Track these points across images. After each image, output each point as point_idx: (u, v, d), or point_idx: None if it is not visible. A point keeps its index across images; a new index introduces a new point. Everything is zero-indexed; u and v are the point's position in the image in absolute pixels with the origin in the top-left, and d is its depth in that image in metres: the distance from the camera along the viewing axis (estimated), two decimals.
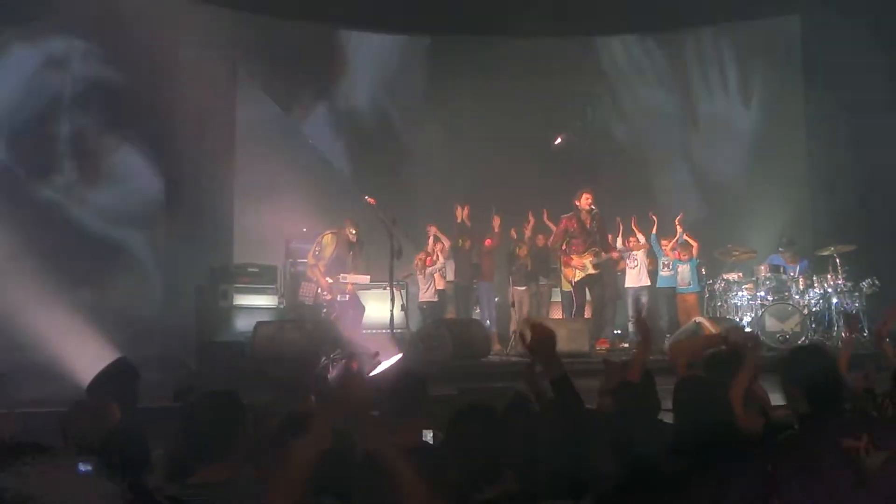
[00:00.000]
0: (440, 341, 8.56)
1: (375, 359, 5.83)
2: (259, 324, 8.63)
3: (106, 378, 4.24)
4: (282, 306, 10.38)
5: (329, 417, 2.32)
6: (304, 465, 2.22)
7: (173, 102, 10.84)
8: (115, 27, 10.03)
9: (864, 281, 9.93)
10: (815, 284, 10.15)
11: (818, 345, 4.37)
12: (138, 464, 2.87)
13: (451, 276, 11.22)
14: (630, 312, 10.65)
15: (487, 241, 11.03)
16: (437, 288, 10.95)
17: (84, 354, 6.17)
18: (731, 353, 3.57)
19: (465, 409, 2.65)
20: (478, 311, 11.26)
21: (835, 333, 9.83)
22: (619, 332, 11.09)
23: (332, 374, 5.79)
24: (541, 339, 2.59)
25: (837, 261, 10.14)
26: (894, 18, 10.13)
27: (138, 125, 10.94)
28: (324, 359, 6.32)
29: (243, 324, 9.55)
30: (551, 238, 10.51)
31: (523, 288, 10.85)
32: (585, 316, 9.99)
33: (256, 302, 10.12)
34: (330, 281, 8.98)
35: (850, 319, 3.85)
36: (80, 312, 7.52)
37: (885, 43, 10.21)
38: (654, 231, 10.82)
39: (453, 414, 2.64)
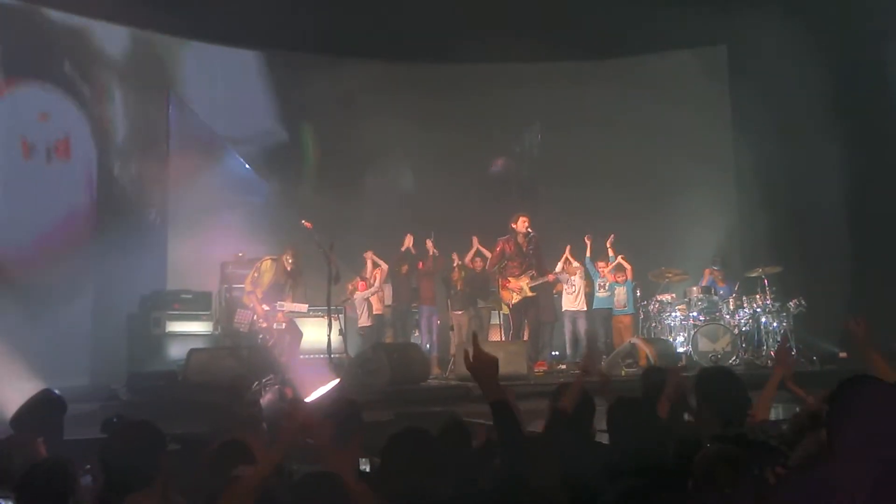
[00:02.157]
0: (378, 366, 8.49)
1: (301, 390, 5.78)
2: (192, 351, 8.44)
3: (30, 410, 4.10)
4: (217, 333, 10.20)
5: (274, 444, 2.32)
6: (250, 493, 2.21)
7: (104, 125, 10.66)
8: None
9: (790, 301, 10.26)
10: (745, 305, 10.44)
11: (727, 368, 4.58)
12: (62, 496, 2.80)
13: (388, 301, 11.21)
14: (567, 335, 10.80)
15: (420, 264, 11.09)
16: (375, 313, 10.93)
17: (7, 386, 5.94)
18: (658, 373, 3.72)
19: (400, 433, 2.64)
20: (417, 334, 11.26)
21: (764, 352, 10.12)
22: (556, 353, 11.19)
23: (265, 399, 5.69)
24: (482, 364, 2.60)
25: (765, 282, 10.46)
26: (822, 46, 10.52)
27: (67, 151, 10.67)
28: (255, 384, 6.19)
29: (176, 351, 9.37)
30: (488, 261, 10.60)
31: (461, 311, 10.89)
32: (523, 339, 10.06)
33: (190, 329, 9.94)
34: (266, 308, 8.84)
35: (780, 351, 3.96)
36: (5, 341, 7.26)
37: (811, 70, 10.60)
38: (587, 254, 11.00)
39: (387, 439, 2.63)
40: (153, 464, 2.68)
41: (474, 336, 2.86)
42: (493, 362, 2.63)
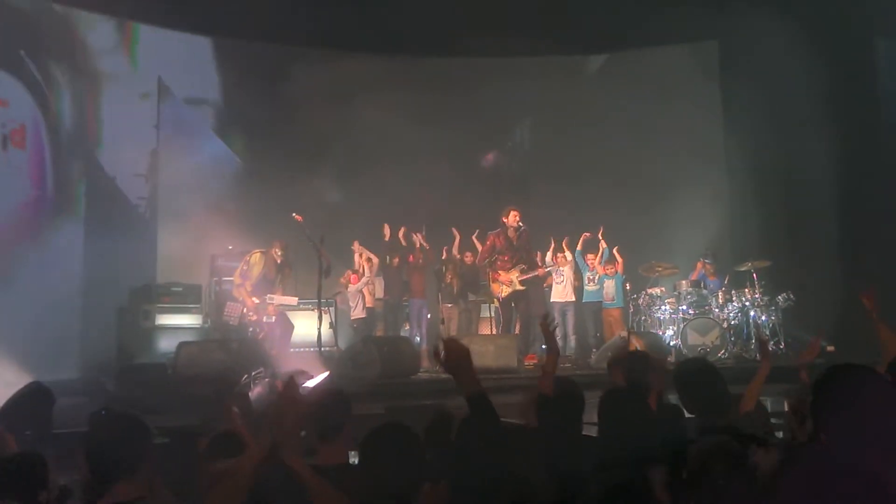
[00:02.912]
0: (368, 359, 8.50)
1: (299, 378, 5.74)
2: (182, 344, 8.44)
3: (18, 403, 4.08)
4: (206, 326, 10.17)
5: (263, 435, 2.32)
6: (242, 484, 2.22)
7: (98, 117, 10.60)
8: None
9: (779, 295, 10.32)
10: (734, 299, 10.48)
11: (703, 359, 4.65)
12: (32, 491, 2.80)
13: (380, 294, 11.22)
14: (558, 328, 10.81)
15: (410, 258, 11.11)
16: (367, 305, 10.94)
17: None
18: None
19: (379, 428, 2.63)
20: (407, 327, 11.27)
21: (752, 346, 10.17)
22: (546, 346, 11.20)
23: (254, 392, 5.69)
24: (453, 356, 2.57)
25: (755, 276, 10.51)
26: (814, 42, 10.55)
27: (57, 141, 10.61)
28: (245, 377, 6.18)
29: (166, 344, 9.35)
30: (479, 255, 10.61)
31: (452, 305, 10.90)
32: (514, 332, 10.09)
33: (180, 322, 9.91)
34: (256, 301, 8.83)
35: (762, 346, 4.02)
36: None
37: (803, 66, 10.63)
38: (578, 247, 11.03)
39: (367, 433, 2.62)
40: (137, 453, 2.68)
41: (449, 337, 2.83)
42: (465, 352, 2.57)
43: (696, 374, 3.43)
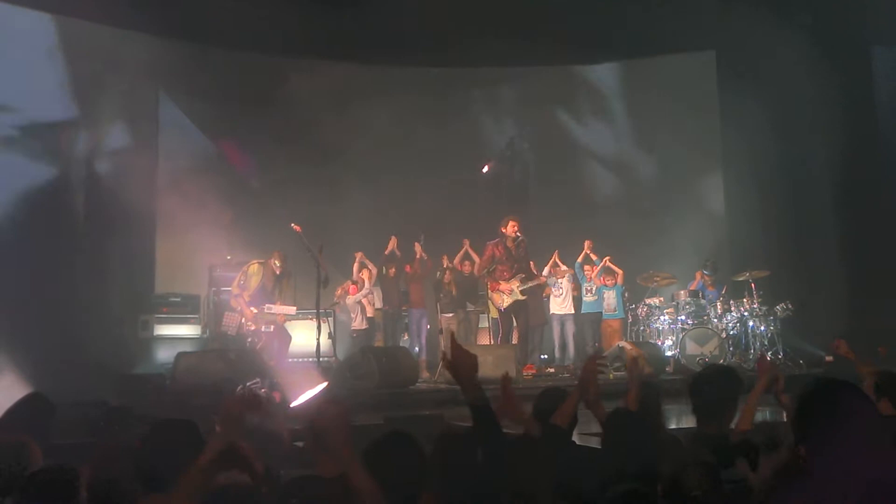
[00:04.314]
0: (367, 370, 8.49)
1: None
2: (180, 354, 8.41)
3: (18, 414, 4.06)
4: (205, 336, 10.17)
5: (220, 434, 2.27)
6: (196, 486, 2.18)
7: (94, 129, 10.60)
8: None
9: (778, 305, 10.33)
10: (733, 309, 10.49)
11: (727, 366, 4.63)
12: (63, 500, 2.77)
13: (379, 304, 11.21)
14: (556, 339, 10.84)
15: (408, 268, 11.11)
16: (367, 316, 10.93)
17: None
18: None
19: (382, 438, 2.64)
20: (406, 337, 11.26)
21: (751, 356, 10.18)
22: (545, 356, 11.21)
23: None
24: (460, 361, 2.58)
25: (753, 286, 10.51)
26: (811, 51, 10.59)
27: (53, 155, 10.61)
28: (239, 387, 6.15)
29: (164, 355, 9.32)
30: (477, 265, 10.61)
31: (451, 315, 10.90)
32: (512, 342, 10.08)
33: (178, 332, 9.90)
34: (254, 311, 8.82)
35: (761, 360, 4.00)
36: None
37: (801, 76, 10.67)
38: (579, 259, 11.02)
39: (370, 443, 2.62)
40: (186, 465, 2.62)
41: (452, 336, 2.84)
42: (473, 360, 2.61)
43: (717, 379, 3.36)
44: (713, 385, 3.26)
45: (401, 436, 2.66)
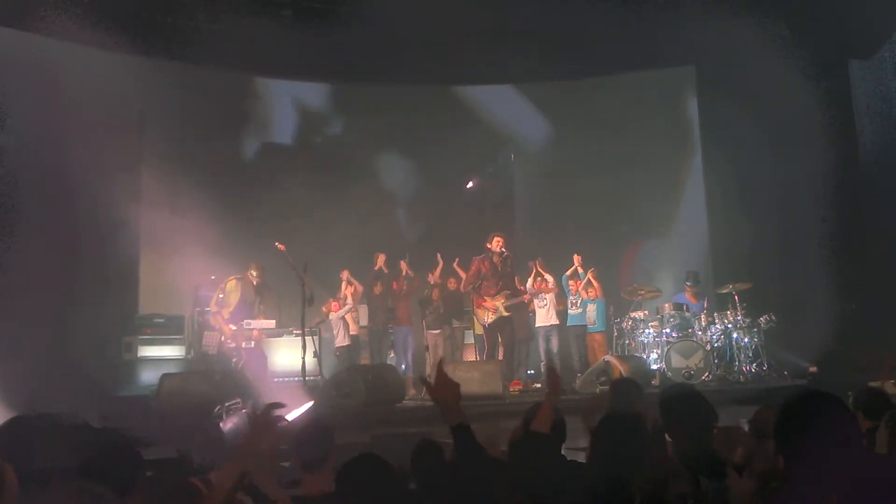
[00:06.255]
0: (353, 388, 8.46)
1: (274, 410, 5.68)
2: (164, 376, 8.35)
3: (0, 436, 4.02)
4: (190, 357, 10.10)
5: (232, 465, 2.29)
6: None
7: (75, 150, 10.51)
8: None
9: (761, 317, 10.38)
10: (716, 321, 10.54)
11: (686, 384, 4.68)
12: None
13: (364, 321, 11.19)
14: (542, 352, 10.80)
15: (394, 285, 11.10)
16: (351, 333, 10.90)
17: None
18: None
19: (354, 459, 2.66)
20: (392, 355, 11.24)
21: (736, 368, 10.22)
22: (531, 372, 11.21)
23: (226, 423, 5.61)
24: (442, 389, 2.62)
25: (736, 298, 10.57)
26: (791, 64, 10.70)
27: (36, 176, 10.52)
28: (217, 407, 6.09)
29: (149, 377, 9.26)
30: (463, 281, 10.61)
31: (437, 331, 10.89)
32: (498, 358, 10.07)
33: (163, 353, 9.84)
34: (233, 328, 8.77)
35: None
36: None
37: (781, 89, 10.78)
38: (567, 273, 11.01)
39: (342, 464, 2.65)
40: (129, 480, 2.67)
41: (440, 364, 2.87)
42: (456, 388, 2.67)
43: (680, 399, 3.41)
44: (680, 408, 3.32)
45: (373, 458, 2.68)
